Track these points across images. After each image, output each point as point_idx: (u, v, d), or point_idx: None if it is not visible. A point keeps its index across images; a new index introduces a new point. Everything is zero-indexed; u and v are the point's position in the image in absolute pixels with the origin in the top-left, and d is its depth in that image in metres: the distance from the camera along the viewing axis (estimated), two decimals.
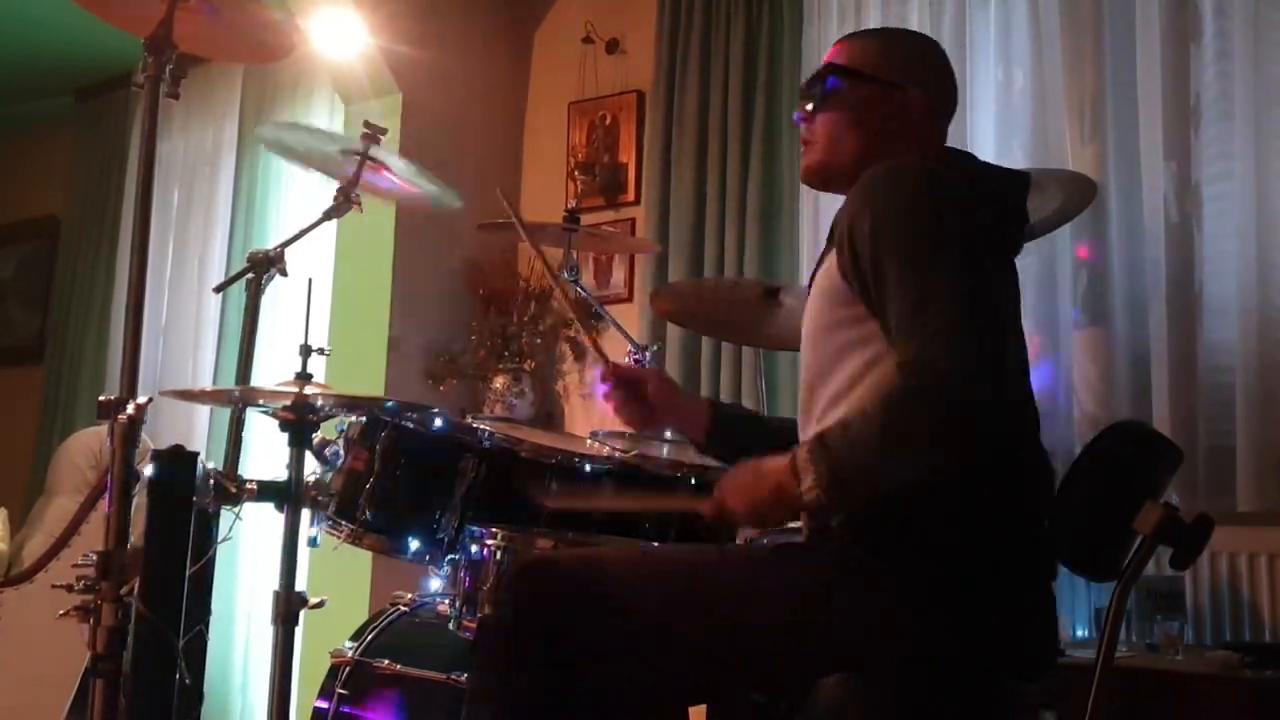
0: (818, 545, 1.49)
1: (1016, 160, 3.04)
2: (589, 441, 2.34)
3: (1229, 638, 2.64)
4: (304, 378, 2.07)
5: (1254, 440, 2.64)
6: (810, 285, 1.65)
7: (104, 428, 1.64)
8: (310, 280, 2.18)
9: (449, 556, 2.03)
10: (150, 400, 1.67)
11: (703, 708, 1.77)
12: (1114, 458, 1.60)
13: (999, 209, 1.57)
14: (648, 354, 2.73)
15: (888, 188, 1.47)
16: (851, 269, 1.47)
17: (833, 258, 1.53)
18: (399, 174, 2.41)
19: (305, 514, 2.07)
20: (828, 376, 1.53)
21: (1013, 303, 1.56)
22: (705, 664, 1.45)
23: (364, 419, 2.10)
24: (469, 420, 2.18)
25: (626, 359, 2.75)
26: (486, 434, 2.07)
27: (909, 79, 1.63)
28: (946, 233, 1.41)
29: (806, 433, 1.58)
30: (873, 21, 3.31)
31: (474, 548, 1.90)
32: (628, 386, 1.80)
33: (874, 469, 1.35)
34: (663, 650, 1.43)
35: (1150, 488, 1.58)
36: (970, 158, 1.68)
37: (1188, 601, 2.65)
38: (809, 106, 1.66)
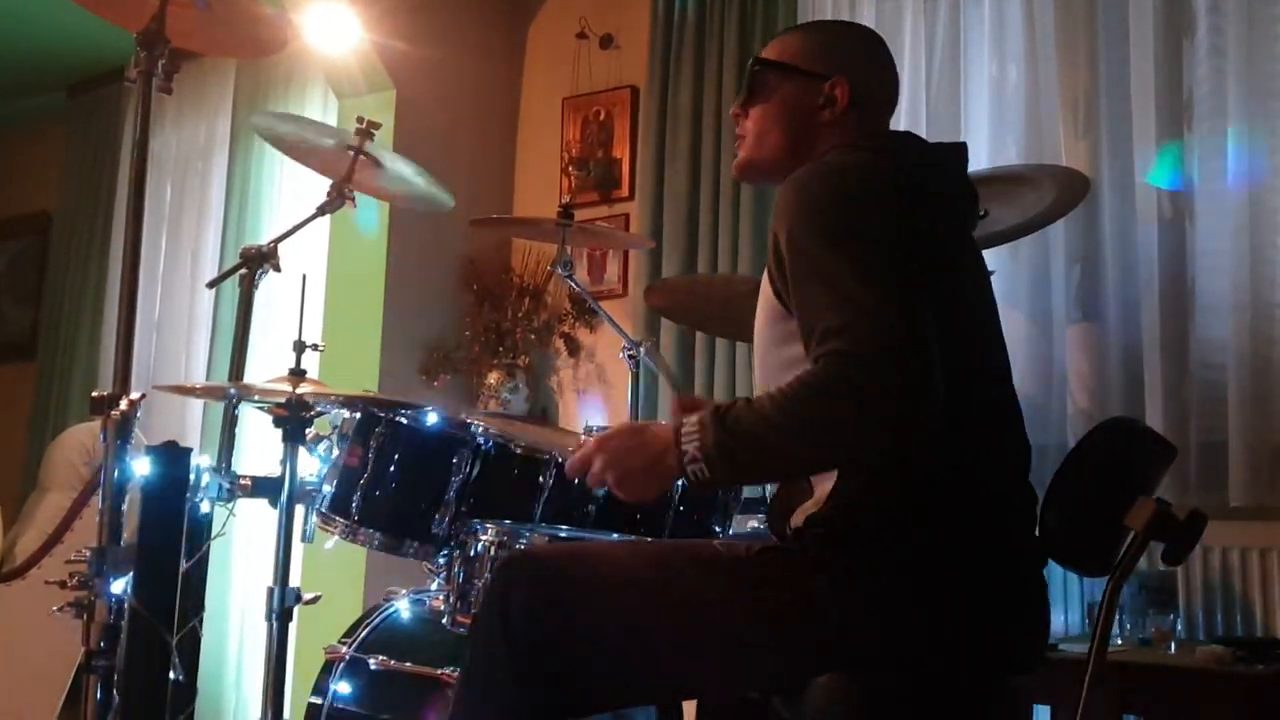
0: (802, 545, 1.48)
1: (1010, 156, 3.05)
2: (583, 437, 2.34)
3: (1221, 632, 2.65)
4: (298, 373, 2.07)
5: (1246, 436, 2.65)
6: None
7: (97, 423, 1.64)
8: (304, 276, 2.18)
9: (443, 552, 2.04)
10: (143, 396, 1.67)
11: (694, 705, 1.77)
12: (1106, 453, 1.61)
13: (936, 185, 1.55)
14: (641, 349, 2.74)
15: (799, 194, 1.45)
16: (778, 278, 1.46)
17: (765, 270, 1.52)
18: (392, 174, 2.41)
19: (299, 510, 2.07)
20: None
21: (974, 280, 1.55)
22: (688, 661, 1.45)
23: (358, 415, 2.10)
24: (463, 416, 2.18)
25: (620, 355, 2.76)
26: (480, 430, 2.08)
27: (835, 69, 1.61)
28: (854, 229, 1.39)
29: None
30: (866, 17, 3.31)
31: (468, 543, 1.90)
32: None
33: (770, 456, 1.33)
34: (645, 646, 1.43)
35: (1142, 483, 1.59)
36: (900, 137, 1.65)
37: (1180, 596, 2.66)
38: (744, 103, 1.66)
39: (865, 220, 1.41)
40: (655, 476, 1.42)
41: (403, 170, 2.46)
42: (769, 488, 1.80)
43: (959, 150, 1.63)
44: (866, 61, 1.66)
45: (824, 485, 1.46)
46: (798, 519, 1.48)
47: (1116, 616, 2.34)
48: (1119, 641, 2.51)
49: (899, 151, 1.58)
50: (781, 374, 1.48)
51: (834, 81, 1.60)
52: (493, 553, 1.84)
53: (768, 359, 1.55)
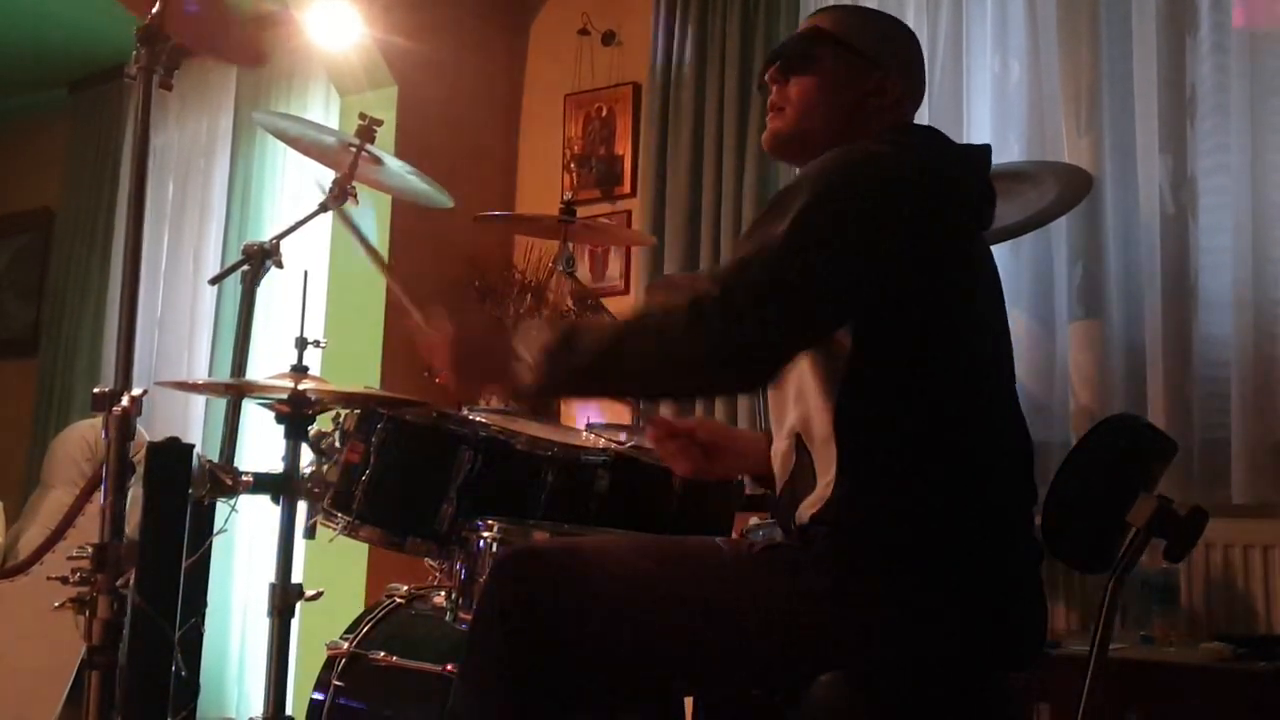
0: (805, 543, 1.48)
1: (1013, 153, 3.04)
2: (585, 433, 2.34)
3: (1223, 630, 2.65)
4: (300, 370, 2.07)
5: (1248, 433, 2.65)
6: None
7: (99, 420, 1.64)
8: (306, 272, 2.18)
9: (445, 548, 2.04)
10: (145, 392, 1.67)
11: (695, 701, 1.77)
12: (1108, 450, 1.61)
13: (964, 186, 1.54)
14: None
15: (818, 167, 1.43)
16: None
17: None
18: (393, 171, 2.41)
19: (301, 506, 2.08)
20: (814, 430, 1.49)
21: (986, 281, 1.54)
22: (690, 657, 1.45)
23: (360, 411, 2.10)
24: (465, 412, 2.18)
25: None
26: (483, 426, 2.07)
27: (889, 60, 1.59)
28: (843, 209, 1.37)
29: (777, 442, 1.57)
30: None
31: (470, 539, 1.90)
32: (676, 438, 1.73)
33: (592, 366, 1.35)
34: (646, 643, 1.43)
35: (1144, 480, 1.59)
36: (932, 134, 1.63)
37: (1182, 593, 2.66)
38: (784, 69, 1.59)
39: (859, 204, 1.39)
40: (488, 367, 1.43)
41: (400, 170, 2.46)
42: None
43: (985, 152, 1.62)
44: (915, 62, 1.66)
45: (826, 478, 1.46)
46: (804, 515, 1.48)
47: (1118, 614, 2.34)
48: (1120, 639, 2.51)
49: (933, 150, 1.56)
50: (809, 380, 1.48)
51: (888, 74, 1.58)
52: (494, 549, 1.84)
53: None
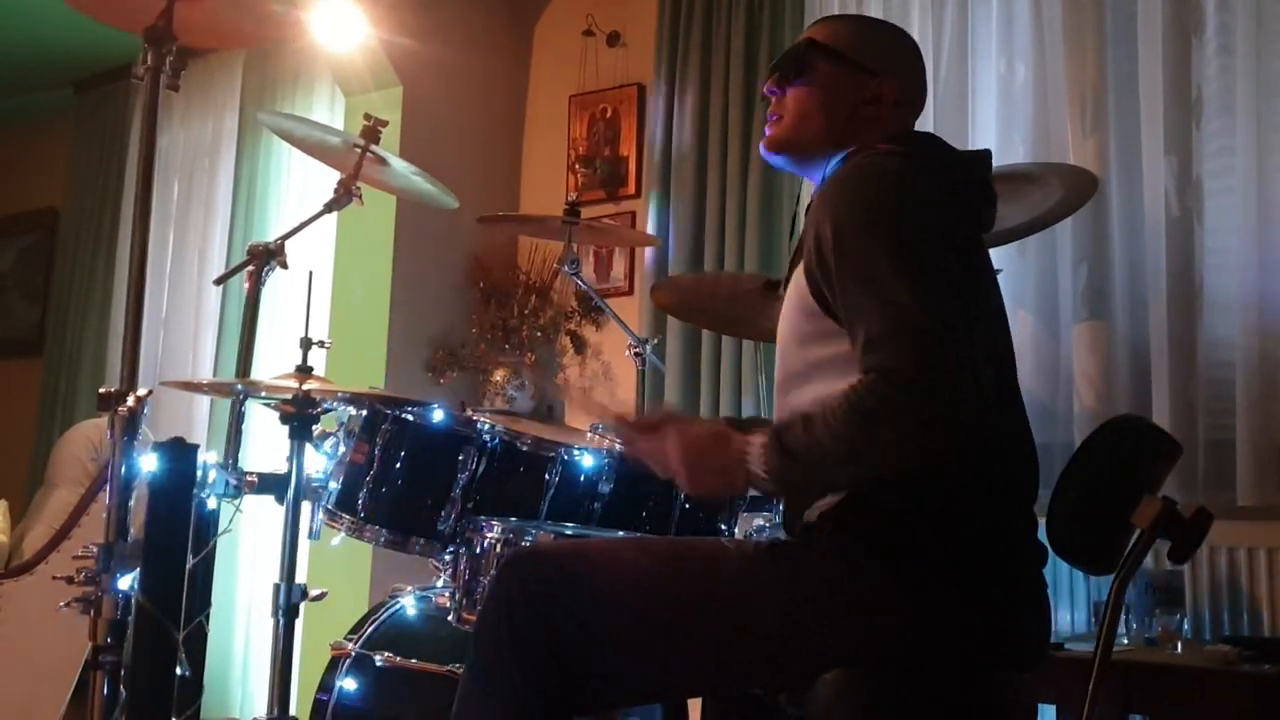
0: (810, 542, 1.49)
1: (1018, 154, 3.04)
2: (589, 434, 2.35)
3: (1228, 632, 2.64)
4: (305, 370, 2.08)
5: (1254, 434, 2.64)
6: (786, 284, 1.63)
7: (104, 420, 1.65)
8: (311, 273, 2.18)
9: (449, 549, 2.04)
10: (150, 392, 1.67)
11: (700, 701, 1.77)
12: (1113, 452, 1.61)
13: (967, 193, 1.56)
14: (648, 346, 2.74)
15: (848, 194, 1.47)
16: (820, 277, 1.47)
17: (802, 266, 1.52)
18: (398, 171, 2.41)
19: (305, 506, 2.08)
20: (795, 390, 1.53)
21: (987, 285, 1.55)
22: (696, 657, 1.45)
23: (364, 412, 2.10)
24: (469, 413, 2.18)
25: (626, 353, 2.76)
26: (487, 427, 2.08)
27: (884, 67, 1.62)
28: (906, 236, 1.41)
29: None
30: (874, 14, 3.30)
31: (474, 540, 1.90)
32: (644, 432, 1.71)
33: (826, 475, 1.41)
34: (651, 643, 1.43)
35: (1149, 482, 1.59)
36: (934, 141, 1.65)
37: (1187, 595, 2.65)
38: (781, 79, 1.65)
39: (912, 226, 1.42)
40: (723, 482, 1.46)
41: (404, 170, 2.46)
42: None
43: (985, 157, 1.64)
44: (912, 68, 1.68)
45: None
46: (812, 514, 1.48)
47: (1122, 615, 2.34)
48: (1125, 641, 2.50)
49: (934, 156, 1.59)
50: (805, 376, 1.49)
51: (883, 81, 1.61)
52: (498, 549, 1.85)
53: (790, 357, 1.55)
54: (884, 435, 1.33)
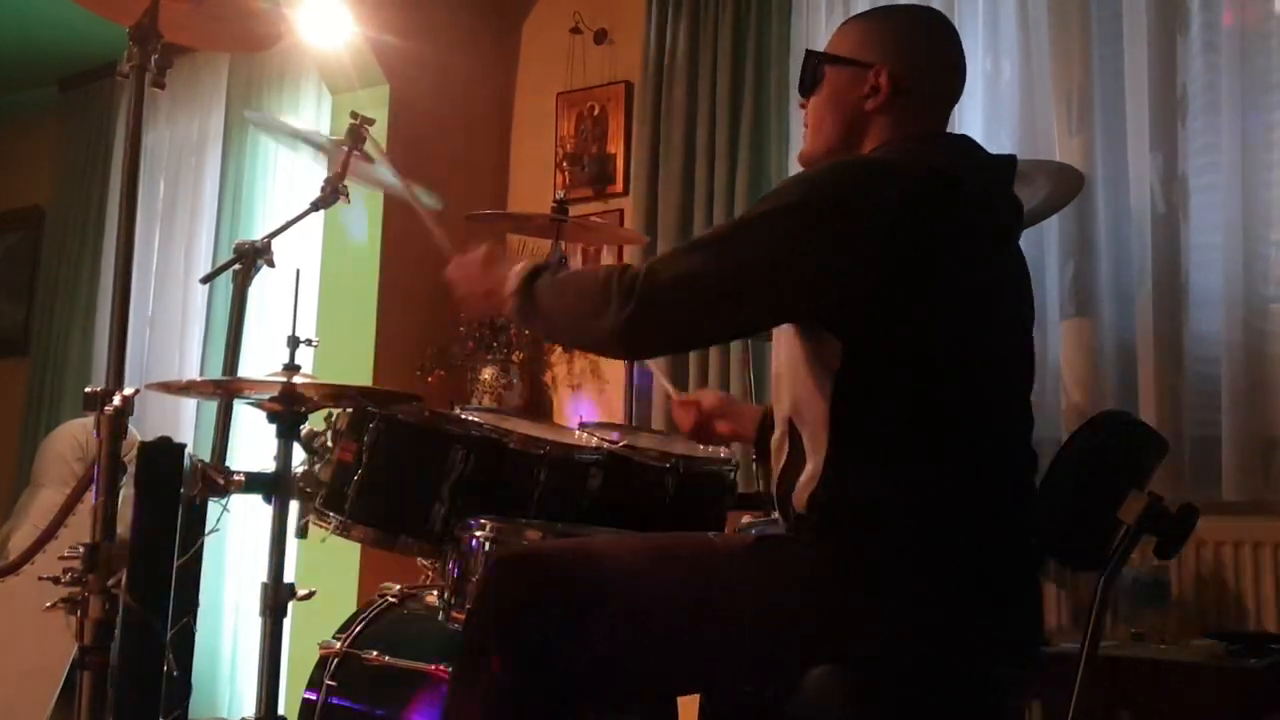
0: (801, 537, 1.49)
1: (1004, 151, 3.04)
2: (578, 432, 2.34)
3: (1214, 627, 2.66)
4: (292, 369, 2.07)
5: (1239, 430, 2.66)
6: None
7: (90, 419, 1.64)
8: (298, 271, 2.17)
9: (438, 547, 2.03)
10: (137, 392, 1.66)
11: (693, 698, 1.77)
12: (1099, 448, 1.62)
13: (979, 197, 1.54)
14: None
15: (800, 174, 1.55)
16: None
17: None
18: (385, 171, 2.40)
19: (293, 505, 2.07)
20: (783, 385, 1.54)
21: (1002, 284, 1.55)
22: (688, 654, 1.45)
23: (352, 410, 2.09)
24: (457, 411, 2.18)
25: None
26: (475, 425, 2.07)
27: (876, 56, 1.60)
28: (753, 215, 1.48)
29: (776, 432, 1.59)
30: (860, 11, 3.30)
31: (462, 539, 1.90)
32: (686, 406, 2.00)
33: (546, 312, 1.59)
34: (644, 640, 1.44)
35: (1135, 477, 1.59)
36: (959, 143, 1.63)
37: (1173, 591, 2.66)
38: (804, 96, 1.69)
39: (775, 208, 1.46)
40: (487, 304, 1.69)
41: (384, 175, 2.46)
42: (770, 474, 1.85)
43: (1008, 164, 1.64)
44: (911, 47, 1.62)
45: (816, 458, 1.47)
46: (799, 500, 1.49)
47: (1109, 611, 2.35)
48: (1112, 637, 2.52)
49: (936, 157, 1.55)
50: (792, 371, 1.49)
51: (876, 69, 1.59)
52: (487, 548, 1.84)
53: (782, 353, 1.55)
54: (579, 308, 1.52)
